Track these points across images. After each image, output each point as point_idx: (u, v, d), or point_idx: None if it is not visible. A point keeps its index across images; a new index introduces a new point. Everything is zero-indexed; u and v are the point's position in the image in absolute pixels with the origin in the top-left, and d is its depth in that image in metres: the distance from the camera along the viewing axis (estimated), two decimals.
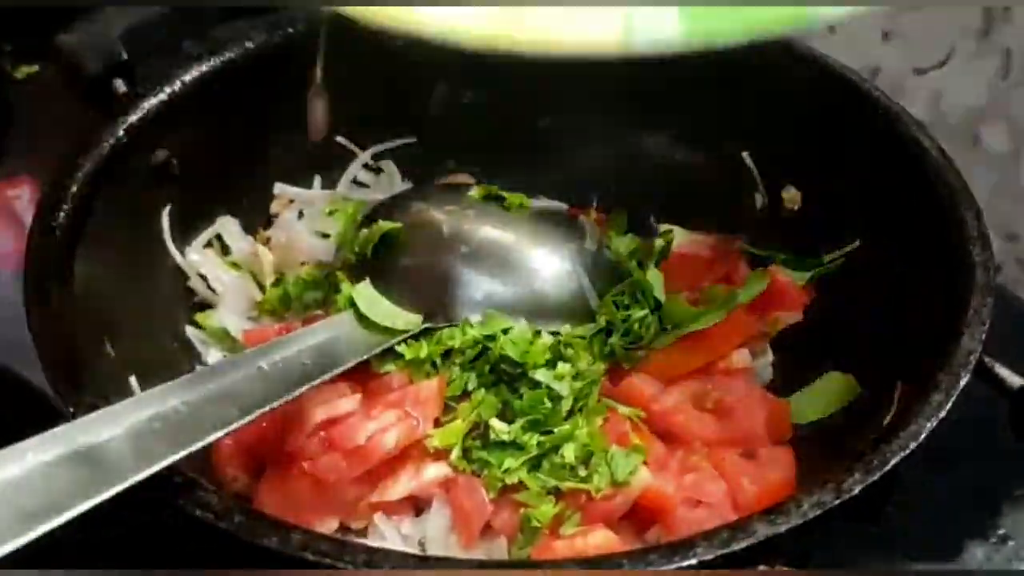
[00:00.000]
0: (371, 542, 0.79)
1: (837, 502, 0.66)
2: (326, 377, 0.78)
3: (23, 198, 1.21)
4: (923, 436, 0.70)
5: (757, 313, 0.93)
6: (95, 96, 0.95)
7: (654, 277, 0.92)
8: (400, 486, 0.80)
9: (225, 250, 1.00)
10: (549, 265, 0.91)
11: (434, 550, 0.80)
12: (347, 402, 0.81)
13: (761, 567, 0.64)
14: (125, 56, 0.97)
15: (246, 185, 1.02)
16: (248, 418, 0.70)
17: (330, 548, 0.63)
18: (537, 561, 0.74)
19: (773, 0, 0.60)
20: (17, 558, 0.55)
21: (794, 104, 0.98)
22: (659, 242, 0.97)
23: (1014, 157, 1.25)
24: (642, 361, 0.89)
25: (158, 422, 0.66)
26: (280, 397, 0.73)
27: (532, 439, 0.81)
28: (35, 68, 1.35)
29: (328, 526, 0.81)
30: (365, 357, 0.83)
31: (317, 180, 1.06)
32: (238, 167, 1.01)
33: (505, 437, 0.81)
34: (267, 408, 0.72)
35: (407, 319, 0.87)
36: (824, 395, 0.89)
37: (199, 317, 0.96)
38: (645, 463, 0.81)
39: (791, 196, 1.00)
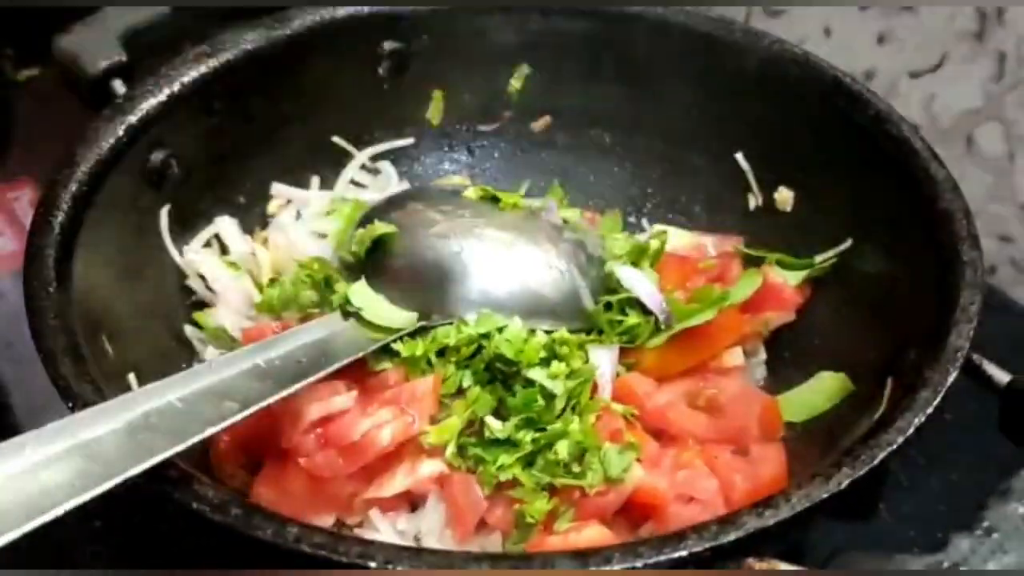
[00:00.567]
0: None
1: (825, 496, 0.67)
2: (322, 374, 0.78)
3: (23, 200, 1.22)
4: (911, 431, 0.70)
5: (750, 312, 0.94)
6: (95, 97, 0.96)
7: (649, 277, 0.93)
8: (396, 482, 0.81)
9: (224, 250, 1.00)
10: (544, 265, 0.91)
11: (429, 545, 0.80)
12: (343, 399, 0.82)
13: (750, 559, 0.64)
14: (125, 57, 0.98)
15: (244, 185, 1.02)
16: (244, 414, 0.70)
17: (325, 540, 0.63)
18: (528, 553, 0.74)
19: None
20: (17, 558, 0.55)
21: (787, 106, 0.98)
22: (653, 243, 0.97)
23: (1008, 159, 1.25)
24: (636, 359, 0.89)
25: (155, 417, 0.67)
26: (276, 393, 0.74)
27: (526, 436, 0.81)
28: (35, 71, 1.36)
29: (324, 522, 0.81)
30: (361, 355, 0.84)
31: (315, 181, 1.06)
32: (236, 167, 1.01)
33: (500, 434, 0.81)
34: (263, 404, 0.72)
35: (403, 318, 0.87)
36: (816, 394, 0.90)
37: (198, 316, 0.96)
38: (638, 460, 0.82)
39: (784, 197, 1.00)
